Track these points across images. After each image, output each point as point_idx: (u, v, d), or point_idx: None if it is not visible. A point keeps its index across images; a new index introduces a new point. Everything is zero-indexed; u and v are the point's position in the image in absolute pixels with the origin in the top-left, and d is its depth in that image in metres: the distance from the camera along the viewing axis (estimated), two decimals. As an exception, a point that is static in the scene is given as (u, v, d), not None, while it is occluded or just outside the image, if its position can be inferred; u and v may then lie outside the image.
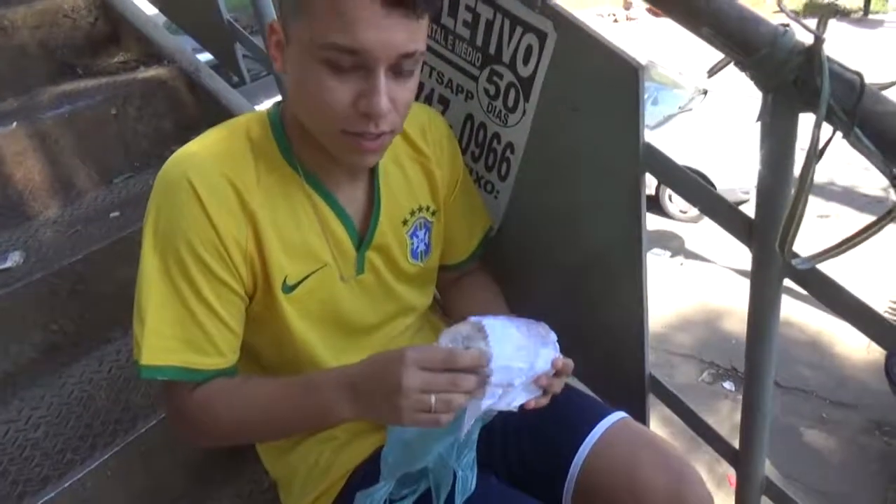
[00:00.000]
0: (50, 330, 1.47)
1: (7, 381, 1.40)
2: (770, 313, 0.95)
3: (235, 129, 0.89)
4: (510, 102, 1.09)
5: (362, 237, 0.96)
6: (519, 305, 1.13)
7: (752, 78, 0.75)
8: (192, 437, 0.93)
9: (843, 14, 11.62)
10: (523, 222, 1.20)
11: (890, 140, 0.68)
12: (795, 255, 0.82)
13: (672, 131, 6.76)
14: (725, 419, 4.07)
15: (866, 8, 11.83)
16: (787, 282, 0.89)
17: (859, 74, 0.69)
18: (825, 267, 0.80)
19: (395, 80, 0.78)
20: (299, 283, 0.91)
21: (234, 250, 0.84)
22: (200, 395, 0.87)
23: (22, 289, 1.42)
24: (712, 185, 6.14)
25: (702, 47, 0.79)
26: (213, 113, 1.89)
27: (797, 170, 0.77)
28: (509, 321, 0.87)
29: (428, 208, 1.04)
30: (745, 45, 0.74)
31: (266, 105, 0.94)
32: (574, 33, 0.96)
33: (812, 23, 0.69)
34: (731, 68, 0.78)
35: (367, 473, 0.95)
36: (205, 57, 2.15)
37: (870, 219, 0.73)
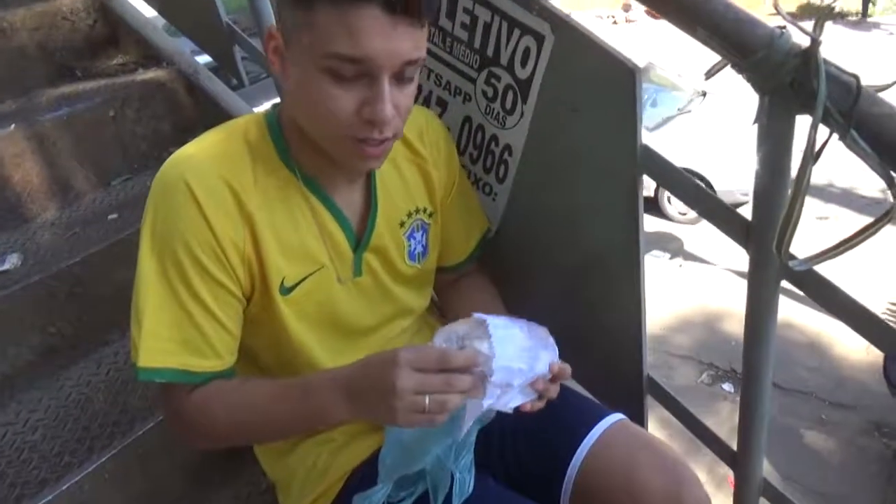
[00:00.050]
0: (48, 332, 1.46)
1: (5, 384, 1.39)
2: (767, 315, 0.95)
3: (233, 132, 0.89)
4: (508, 104, 1.09)
5: (359, 239, 0.96)
6: (517, 307, 1.13)
7: (749, 80, 0.75)
8: (190, 439, 0.93)
9: (838, 16, 11.62)
10: (521, 224, 1.20)
11: (886, 142, 0.68)
12: (792, 257, 0.82)
13: (671, 133, 6.76)
14: (725, 421, 4.07)
15: (864, 10, 11.84)
16: (787, 283, 0.90)
17: (856, 77, 0.69)
18: (824, 269, 0.80)
19: (397, 86, 0.79)
20: (296, 284, 0.91)
21: (232, 252, 0.84)
22: (198, 397, 0.87)
23: (20, 291, 1.41)
24: (711, 187, 6.16)
25: (701, 49, 0.79)
26: (212, 115, 1.88)
27: (794, 172, 0.78)
28: (512, 322, 0.87)
29: (425, 210, 1.04)
30: (741, 47, 0.74)
31: (265, 107, 0.94)
32: (571, 35, 0.96)
33: (808, 25, 0.69)
34: (730, 70, 0.79)
35: (364, 475, 0.95)
36: (204, 59, 2.15)
37: (869, 220, 0.73)
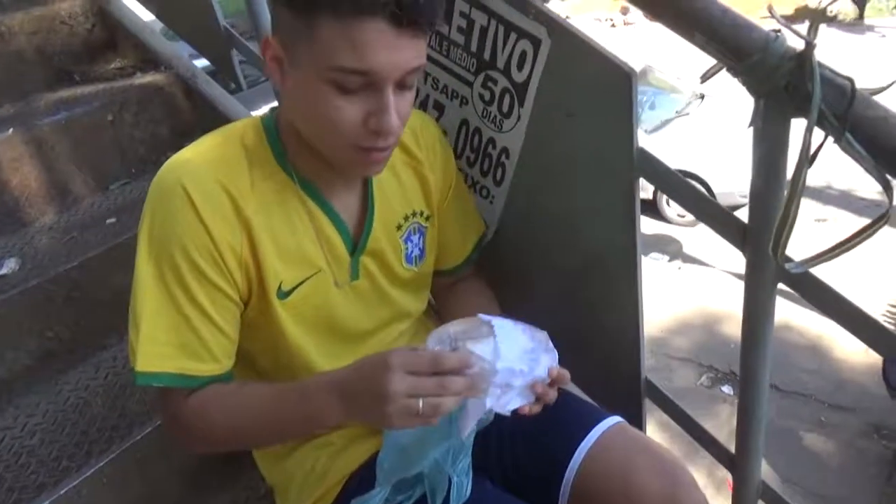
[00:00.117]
0: (46, 337, 1.46)
1: (3, 389, 1.39)
2: (764, 317, 0.95)
3: (230, 136, 0.89)
4: (505, 108, 1.09)
5: (356, 243, 0.96)
6: (514, 309, 1.13)
7: (744, 83, 0.76)
8: (188, 443, 0.93)
9: (832, 19, 11.63)
10: (519, 227, 1.20)
11: (881, 145, 0.69)
12: (789, 260, 0.82)
13: (669, 136, 6.77)
14: (724, 423, 4.07)
15: (862, 12, 11.86)
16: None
17: (850, 80, 0.70)
18: (823, 270, 0.80)
19: (399, 93, 0.79)
20: (294, 288, 0.91)
21: (229, 256, 0.85)
22: (195, 401, 0.87)
23: (18, 295, 1.41)
24: (710, 189, 6.17)
25: (699, 52, 0.80)
26: (210, 119, 1.89)
27: (790, 174, 0.78)
28: (516, 324, 0.87)
29: (422, 213, 1.04)
30: (737, 50, 0.74)
31: (263, 111, 0.95)
32: (568, 39, 0.96)
33: (803, 28, 0.69)
34: (727, 73, 0.79)
35: (362, 479, 0.95)
36: (202, 63, 2.15)
37: (867, 222, 0.73)
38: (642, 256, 1.06)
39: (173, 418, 0.89)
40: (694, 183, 0.96)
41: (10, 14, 1.92)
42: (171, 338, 0.84)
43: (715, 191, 6.14)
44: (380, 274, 1.00)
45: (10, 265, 1.51)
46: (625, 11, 13.75)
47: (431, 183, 1.04)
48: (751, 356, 0.99)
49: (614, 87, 0.92)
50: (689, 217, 6.43)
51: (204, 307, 0.84)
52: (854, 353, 4.63)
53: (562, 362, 0.89)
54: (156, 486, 1.29)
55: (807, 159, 0.72)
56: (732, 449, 1.13)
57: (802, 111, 0.72)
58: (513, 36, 1.03)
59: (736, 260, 0.93)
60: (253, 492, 1.35)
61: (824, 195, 6.56)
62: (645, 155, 0.96)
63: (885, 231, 0.74)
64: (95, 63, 2.07)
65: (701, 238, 6.19)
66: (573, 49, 0.96)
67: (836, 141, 0.70)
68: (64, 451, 1.27)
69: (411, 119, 1.01)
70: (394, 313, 1.04)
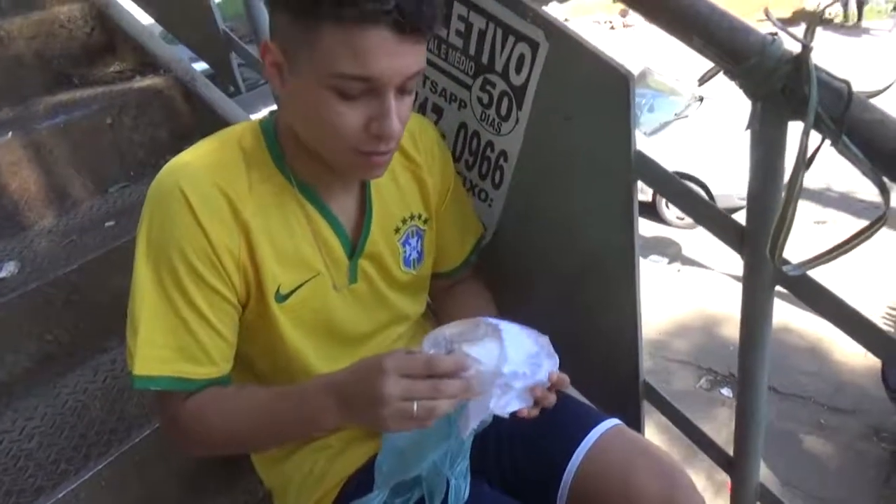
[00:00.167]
0: (44, 340, 1.46)
1: (1, 392, 1.39)
2: (762, 319, 0.95)
3: (228, 139, 0.89)
4: (503, 111, 1.09)
5: (354, 246, 0.96)
6: (513, 312, 1.13)
7: (741, 86, 0.76)
8: (186, 446, 0.94)
9: (829, 22, 11.63)
10: (517, 230, 1.20)
11: (877, 148, 0.69)
12: (786, 262, 0.82)
13: (669, 138, 6.78)
14: (723, 426, 4.07)
15: (860, 14, 11.87)
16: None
17: (847, 83, 0.70)
18: (823, 273, 0.80)
19: (399, 97, 0.80)
20: (292, 292, 0.91)
21: (227, 259, 0.85)
22: (193, 404, 0.87)
23: (17, 299, 1.41)
24: (709, 191, 6.18)
25: (698, 55, 0.80)
26: (209, 122, 1.89)
27: (788, 177, 0.78)
28: (521, 328, 0.87)
29: (420, 216, 1.04)
30: (734, 54, 0.74)
31: (263, 114, 0.95)
32: (565, 42, 0.96)
33: (799, 31, 0.69)
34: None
35: (361, 482, 0.95)
36: (201, 66, 2.15)
37: (866, 224, 0.73)
38: (641, 259, 1.06)
39: (171, 421, 0.89)
40: (692, 185, 0.96)
41: (9, 19, 1.92)
42: (168, 341, 0.84)
43: (714, 193, 6.15)
44: (378, 277, 1.00)
45: (10, 268, 1.51)
46: (624, 14, 13.75)
47: (429, 186, 1.04)
48: (749, 358, 1.00)
49: (612, 89, 0.92)
50: (689, 219, 6.43)
51: (202, 310, 0.84)
52: (853, 355, 4.63)
53: (560, 364, 0.89)
54: (154, 490, 1.29)
55: (804, 162, 0.73)
56: (731, 451, 1.13)
57: (799, 114, 0.72)
58: (511, 39, 1.03)
59: (735, 262, 0.93)
60: (251, 495, 1.35)
61: (824, 197, 6.56)
62: (642, 157, 0.96)
63: (884, 233, 0.74)
64: (94, 67, 2.07)
65: (700, 240, 6.19)
66: (571, 52, 0.96)
67: (833, 144, 0.70)
68: (62, 454, 1.27)
69: (409, 122, 1.01)
70: (392, 316, 1.04)
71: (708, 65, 0.80)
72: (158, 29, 2.20)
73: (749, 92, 0.76)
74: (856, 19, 11.81)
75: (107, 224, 1.67)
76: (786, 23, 0.75)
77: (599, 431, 0.99)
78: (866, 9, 11.90)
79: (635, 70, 0.90)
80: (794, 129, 0.76)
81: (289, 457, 1.02)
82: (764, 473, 1.12)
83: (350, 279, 0.97)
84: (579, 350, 1.07)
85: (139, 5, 2.04)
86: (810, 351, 4.80)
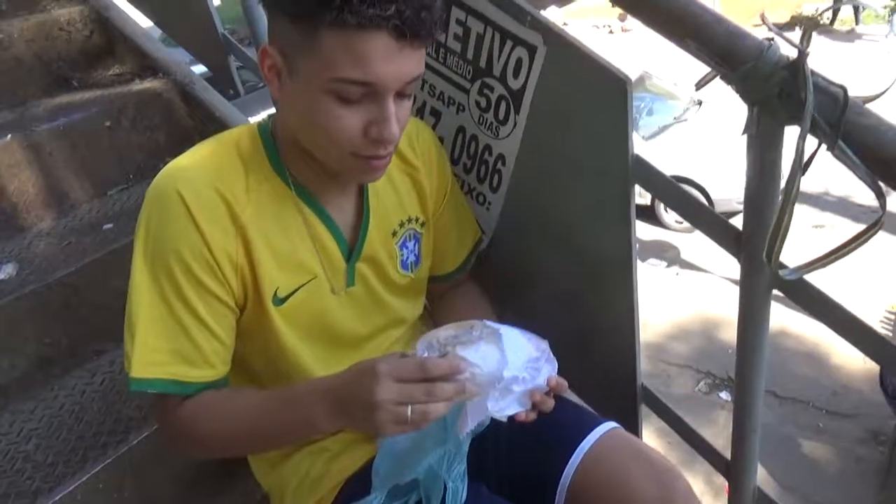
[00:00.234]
0: (42, 342, 1.46)
1: (-1, 394, 1.39)
2: (759, 324, 0.95)
3: (226, 142, 0.90)
4: (501, 115, 1.10)
5: (352, 249, 0.96)
6: (510, 315, 1.13)
7: (738, 91, 0.76)
8: (183, 448, 0.94)
9: (824, 27, 11.65)
10: (515, 233, 1.20)
11: (873, 153, 0.69)
12: (783, 266, 0.82)
13: (667, 142, 6.78)
14: (722, 430, 4.06)
15: (857, 18, 11.90)
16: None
17: (843, 88, 0.70)
18: (821, 277, 0.81)
19: (398, 101, 0.80)
20: (290, 295, 0.91)
21: (225, 262, 0.85)
22: (190, 407, 0.87)
23: (15, 301, 1.41)
24: (708, 195, 6.18)
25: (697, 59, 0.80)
26: (208, 125, 1.89)
27: (784, 182, 0.78)
28: (522, 332, 0.87)
29: (417, 219, 1.04)
30: (730, 58, 0.74)
31: (262, 117, 0.95)
32: (563, 47, 0.96)
33: (795, 36, 0.70)
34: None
35: (358, 485, 0.95)
36: (200, 69, 2.16)
37: (863, 228, 0.73)
38: (639, 262, 1.06)
39: (168, 424, 0.89)
40: (689, 189, 0.96)
41: (9, 21, 1.93)
42: (165, 344, 0.84)
43: (713, 197, 6.15)
44: (375, 280, 1.00)
45: (8, 270, 1.51)
46: (623, 18, 13.77)
47: (427, 189, 1.04)
48: (746, 362, 1.00)
49: (609, 94, 0.92)
50: (687, 223, 6.44)
51: (199, 313, 0.84)
52: (852, 359, 4.63)
53: (559, 368, 0.89)
54: (151, 492, 1.29)
55: (800, 167, 0.73)
56: (728, 455, 1.13)
57: (796, 119, 0.72)
58: (509, 43, 1.03)
59: (734, 266, 0.93)
60: (248, 497, 1.35)
61: (821, 201, 6.56)
62: (640, 161, 0.96)
63: (882, 237, 0.74)
64: (94, 69, 2.07)
65: (699, 244, 6.18)
66: (568, 56, 0.96)
67: (829, 148, 0.71)
68: (60, 456, 1.27)
69: (407, 126, 1.01)
70: (389, 319, 1.04)
71: (706, 69, 0.81)
72: (157, 32, 2.21)
73: (745, 96, 0.76)
74: (853, 24, 11.84)
75: (105, 226, 1.67)
76: (782, 28, 0.76)
77: (597, 435, 0.99)
78: (864, 14, 11.92)
79: (634, 74, 0.91)
80: (791, 133, 0.76)
81: (286, 459, 1.02)
82: (763, 477, 1.12)
83: (347, 282, 0.97)
84: (577, 353, 1.07)
85: (138, 8, 2.04)
86: (809, 355, 4.80)
